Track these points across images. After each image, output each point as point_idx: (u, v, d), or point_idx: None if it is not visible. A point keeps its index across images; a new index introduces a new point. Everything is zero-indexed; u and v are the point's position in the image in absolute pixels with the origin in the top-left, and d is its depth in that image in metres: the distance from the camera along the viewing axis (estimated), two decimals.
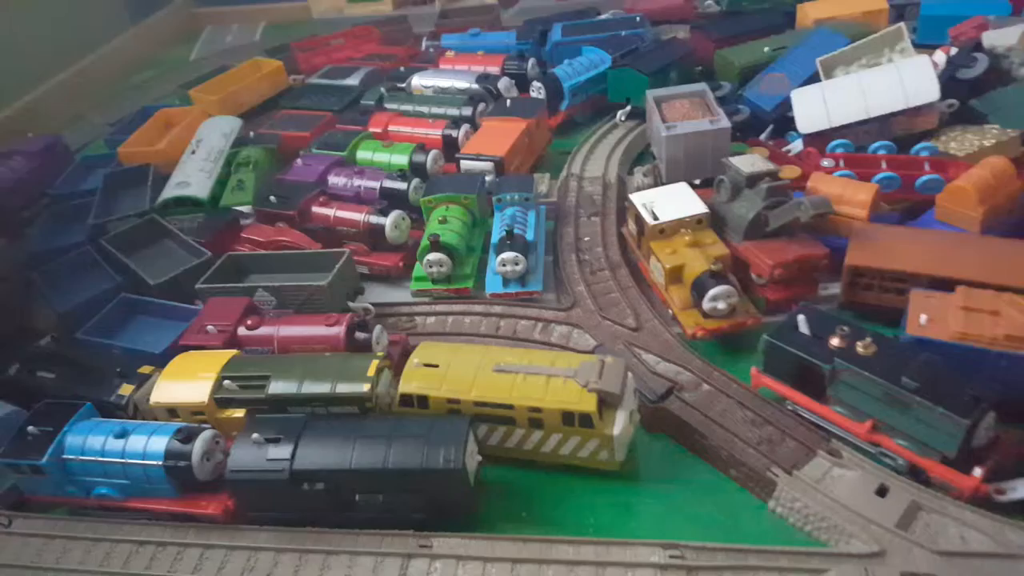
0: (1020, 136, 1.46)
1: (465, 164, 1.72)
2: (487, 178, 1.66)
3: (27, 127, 2.46)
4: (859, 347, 1.03)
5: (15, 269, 1.65)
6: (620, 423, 1.05)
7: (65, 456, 1.10)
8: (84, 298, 1.50)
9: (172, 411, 1.17)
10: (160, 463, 1.06)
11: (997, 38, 1.61)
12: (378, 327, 1.27)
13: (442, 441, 1.01)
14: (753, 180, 1.31)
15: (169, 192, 1.79)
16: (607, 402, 1.06)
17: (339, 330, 1.24)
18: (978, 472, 0.97)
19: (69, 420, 1.13)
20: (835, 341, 1.05)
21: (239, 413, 1.15)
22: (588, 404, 1.04)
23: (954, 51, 1.60)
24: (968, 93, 1.59)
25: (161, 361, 1.25)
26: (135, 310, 1.49)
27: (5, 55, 2.61)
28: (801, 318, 1.10)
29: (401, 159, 1.78)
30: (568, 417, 1.05)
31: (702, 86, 1.62)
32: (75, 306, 1.49)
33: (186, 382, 1.17)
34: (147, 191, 1.83)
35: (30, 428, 1.12)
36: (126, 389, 1.24)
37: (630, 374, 1.11)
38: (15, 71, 2.66)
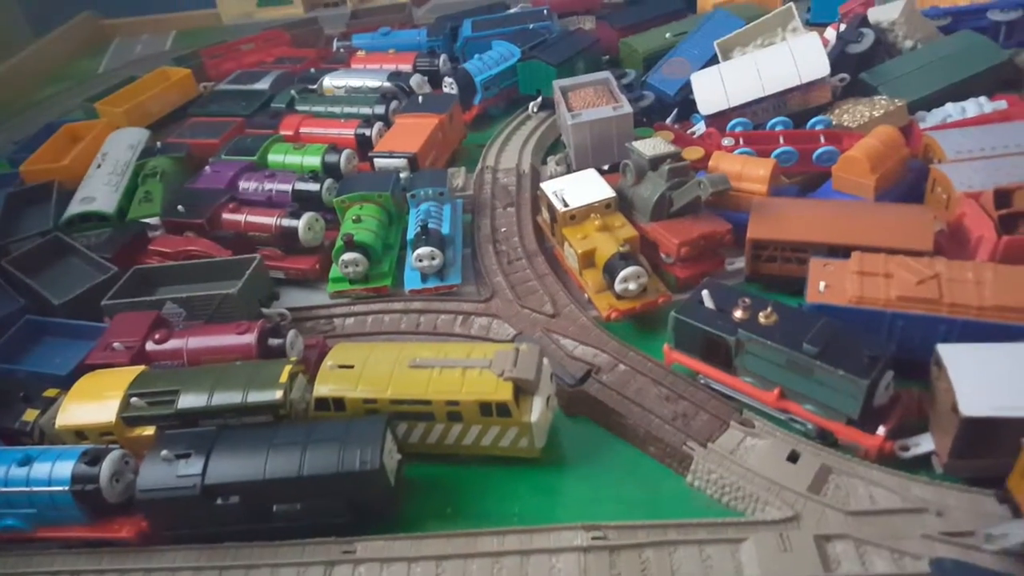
0: (905, 105, 1.52)
1: (379, 162, 1.71)
2: (401, 175, 1.65)
3: None
4: (761, 317, 1.06)
5: None
6: (537, 410, 1.06)
7: None
8: None
9: (80, 434, 1.12)
10: (67, 488, 1.02)
11: (881, 13, 1.68)
12: (292, 332, 1.25)
13: (359, 442, 1.00)
14: (656, 163, 1.33)
15: (74, 208, 1.73)
16: (523, 390, 1.07)
17: (250, 338, 1.22)
18: (882, 431, 1.00)
19: None
20: (738, 313, 1.07)
21: (150, 431, 1.11)
22: (504, 393, 1.04)
23: (843, 27, 1.66)
24: (858, 67, 1.65)
25: (68, 383, 1.20)
26: (41, 332, 1.43)
27: None
28: (705, 293, 1.12)
29: (313, 160, 1.75)
30: (485, 408, 1.06)
31: (605, 74, 1.64)
32: None
33: (93, 403, 1.13)
34: (51, 208, 1.77)
35: None
36: (31, 414, 1.19)
37: (546, 359, 1.11)
38: None
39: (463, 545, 0.98)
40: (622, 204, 1.37)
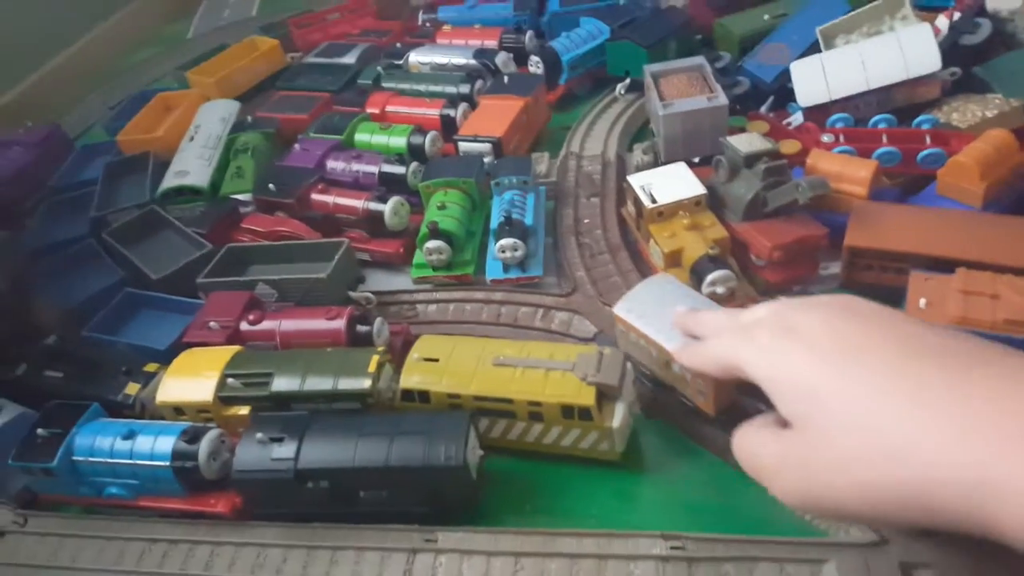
0: (1023, 105, 1.42)
1: (463, 146, 1.71)
2: (485, 159, 1.65)
3: (26, 115, 2.45)
4: None
5: (17, 264, 1.64)
6: (619, 415, 1.06)
7: (75, 458, 1.12)
8: (88, 294, 1.51)
9: (178, 409, 1.18)
10: (167, 464, 1.08)
11: (1001, 1, 1.56)
12: (379, 319, 1.27)
13: (443, 437, 1.01)
14: (751, 160, 1.28)
15: (169, 182, 1.79)
16: (606, 394, 1.07)
17: (340, 324, 1.25)
18: None
19: (77, 422, 1.14)
20: None
21: (244, 410, 1.15)
22: (587, 397, 1.04)
23: (957, 16, 1.56)
24: (971, 60, 1.54)
25: (165, 357, 1.26)
26: (138, 304, 1.49)
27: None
28: None
29: (399, 141, 1.76)
30: (567, 410, 1.06)
31: (700, 60, 1.58)
32: (80, 302, 1.49)
33: (191, 380, 1.18)
34: (147, 180, 1.82)
35: (40, 431, 1.14)
36: (132, 388, 1.25)
37: (629, 364, 1.11)
38: (10, 57, 2.64)
39: (541, 544, 0.98)
40: (712, 201, 1.34)
